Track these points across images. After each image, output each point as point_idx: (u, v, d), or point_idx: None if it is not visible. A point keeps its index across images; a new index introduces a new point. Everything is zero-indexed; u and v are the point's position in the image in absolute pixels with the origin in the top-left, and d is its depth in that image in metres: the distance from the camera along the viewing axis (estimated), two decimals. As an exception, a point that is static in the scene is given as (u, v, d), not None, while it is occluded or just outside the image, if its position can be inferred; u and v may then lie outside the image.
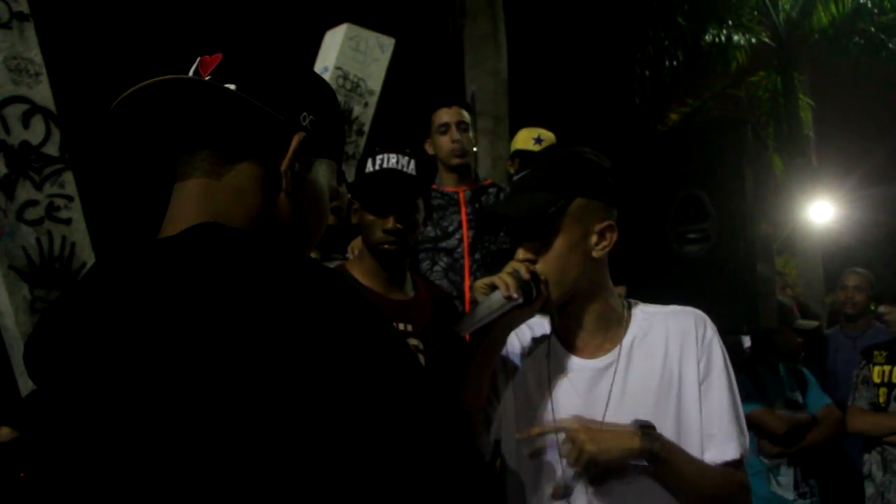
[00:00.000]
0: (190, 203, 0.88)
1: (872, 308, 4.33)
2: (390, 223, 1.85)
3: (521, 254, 1.38)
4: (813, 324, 3.39)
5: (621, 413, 1.35)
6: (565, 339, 1.45)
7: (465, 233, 2.83)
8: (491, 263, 2.83)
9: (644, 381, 1.38)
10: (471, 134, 2.98)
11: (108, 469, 0.75)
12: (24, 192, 3.14)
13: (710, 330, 1.41)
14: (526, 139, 3.50)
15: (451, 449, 0.82)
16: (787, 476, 3.07)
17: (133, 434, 0.74)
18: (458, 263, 2.80)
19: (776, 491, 3.04)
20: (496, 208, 1.45)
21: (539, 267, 1.35)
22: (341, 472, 0.73)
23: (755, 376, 3.13)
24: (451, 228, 2.84)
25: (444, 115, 2.95)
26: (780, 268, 8.74)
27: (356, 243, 2.54)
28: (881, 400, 3.09)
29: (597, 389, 1.38)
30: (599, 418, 1.36)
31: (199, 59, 0.92)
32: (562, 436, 1.34)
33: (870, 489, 3.10)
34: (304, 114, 0.93)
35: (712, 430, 1.36)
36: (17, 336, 3.05)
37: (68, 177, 3.30)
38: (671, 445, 1.31)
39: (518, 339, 1.49)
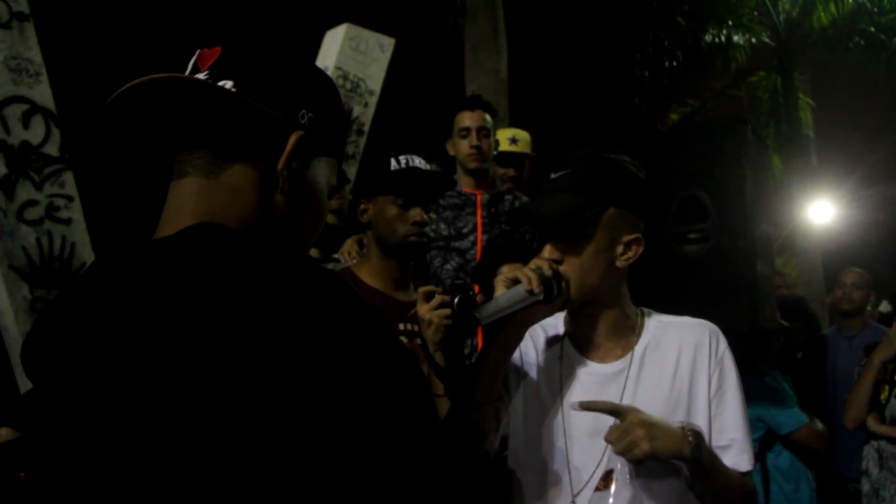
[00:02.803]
0: (186, 202, 0.87)
1: (870, 308, 4.35)
2: (419, 216, 1.95)
3: (547, 252, 1.38)
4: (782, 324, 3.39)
5: None
6: (578, 342, 1.46)
7: (480, 236, 2.83)
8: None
9: (655, 390, 1.39)
10: (492, 139, 2.97)
11: (106, 469, 0.75)
12: (24, 192, 3.14)
13: (724, 344, 1.43)
14: (501, 140, 3.50)
15: (448, 450, 0.82)
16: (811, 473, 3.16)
17: (130, 435, 0.74)
18: (470, 265, 2.80)
19: (813, 486, 3.14)
20: (530, 205, 1.46)
21: (562, 268, 1.36)
22: (338, 473, 0.73)
23: (775, 383, 3.15)
24: (465, 230, 2.84)
25: (467, 119, 2.94)
26: (780, 268, 8.74)
27: (347, 247, 2.58)
28: (882, 397, 3.08)
29: (607, 394, 1.39)
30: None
31: (198, 52, 0.92)
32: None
33: (866, 486, 3.11)
34: (303, 111, 0.91)
35: (724, 442, 1.38)
36: (17, 336, 3.04)
37: (68, 177, 3.29)
38: (712, 454, 1.33)
39: (532, 339, 1.50)
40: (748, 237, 2.37)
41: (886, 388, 3.09)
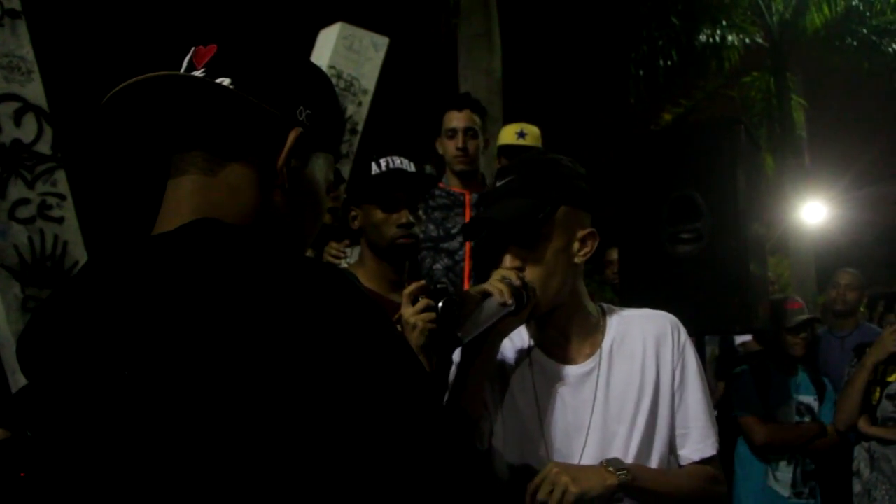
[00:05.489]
0: (185, 199, 0.87)
1: (862, 309, 4.37)
2: (404, 217, 1.96)
3: (508, 261, 1.39)
4: (803, 316, 3.37)
5: (606, 415, 1.39)
6: (546, 347, 1.47)
7: None
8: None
9: (626, 384, 1.41)
10: (480, 139, 2.95)
11: (104, 467, 0.75)
12: (16, 190, 3.12)
13: (684, 335, 1.46)
14: (510, 134, 3.46)
15: (450, 448, 0.82)
16: (785, 473, 3.13)
17: (128, 432, 0.73)
18: (459, 266, 2.79)
19: (771, 485, 3.12)
20: (485, 212, 1.46)
21: (525, 274, 1.37)
22: (340, 471, 0.73)
23: (763, 379, 3.17)
24: (454, 230, 2.83)
25: (454, 120, 2.93)
26: (773, 268, 8.78)
27: (333, 250, 2.58)
28: (874, 398, 3.09)
29: (581, 394, 1.41)
30: (585, 422, 1.39)
31: (193, 49, 0.91)
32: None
33: (857, 486, 3.11)
34: (301, 108, 0.91)
35: (687, 430, 1.42)
36: (8, 335, 3.03)
37: (60, 175, 3.28)
38: (643, 472, 1.35)
39: (500, 351, 1.49)
40: (741, 237, 2.38)
41: (877, 389, 3.10)
